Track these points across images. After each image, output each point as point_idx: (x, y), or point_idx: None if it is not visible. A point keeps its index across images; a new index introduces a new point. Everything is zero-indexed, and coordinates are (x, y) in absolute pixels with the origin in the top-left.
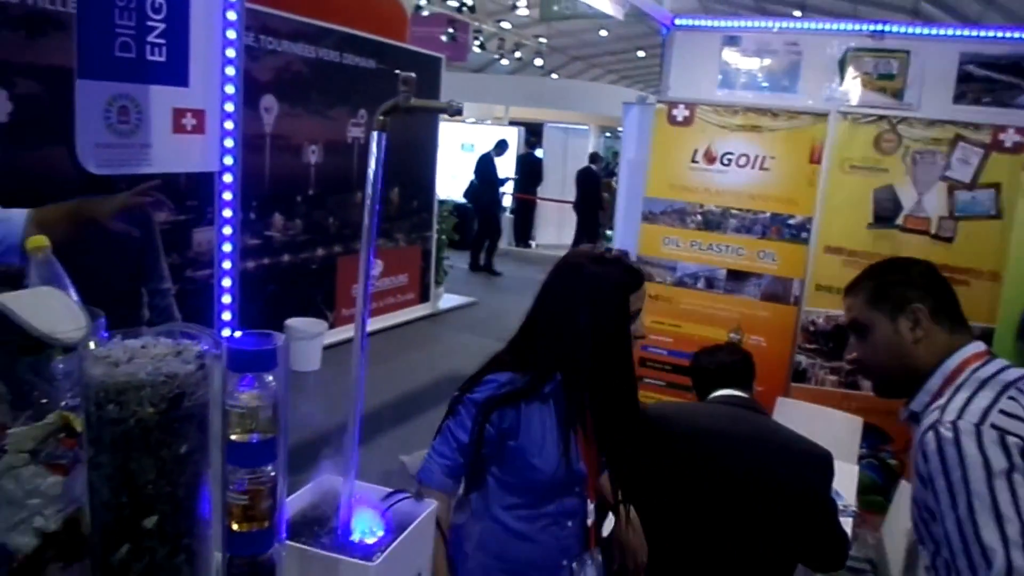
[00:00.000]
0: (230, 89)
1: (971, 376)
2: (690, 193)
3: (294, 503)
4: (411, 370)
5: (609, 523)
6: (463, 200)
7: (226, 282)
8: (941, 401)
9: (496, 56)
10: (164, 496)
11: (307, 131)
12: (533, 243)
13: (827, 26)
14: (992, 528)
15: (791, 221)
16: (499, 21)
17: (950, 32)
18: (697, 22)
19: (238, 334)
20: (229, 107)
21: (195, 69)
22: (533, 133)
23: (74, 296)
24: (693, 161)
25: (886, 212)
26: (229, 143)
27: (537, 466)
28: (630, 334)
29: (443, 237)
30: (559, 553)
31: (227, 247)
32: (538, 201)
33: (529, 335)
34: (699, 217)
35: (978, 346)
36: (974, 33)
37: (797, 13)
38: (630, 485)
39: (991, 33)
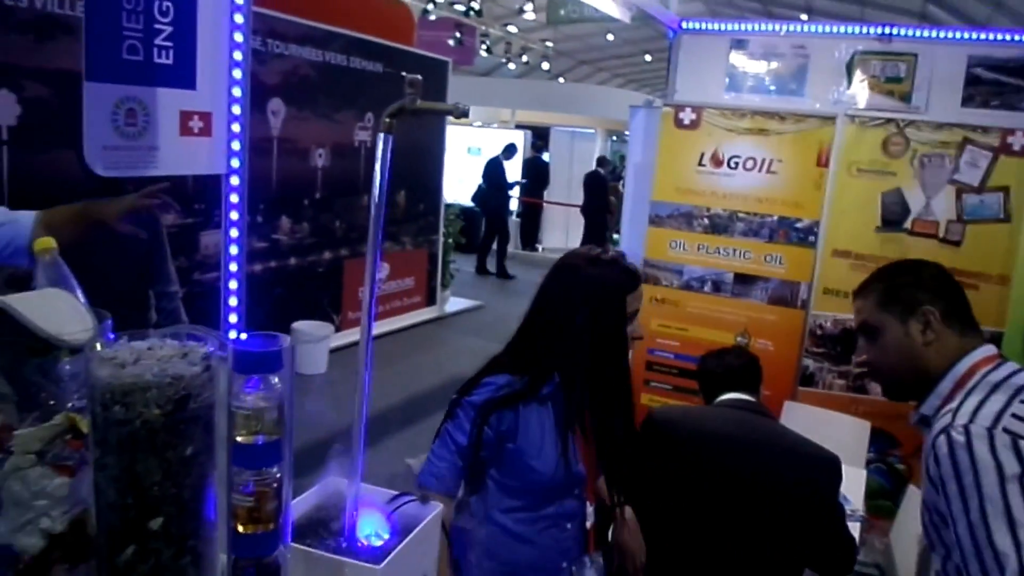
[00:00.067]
0: (237, 92)
1: (982, 380)
2: (697, 196)
3: (300, 505)
4: (417, 373)
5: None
6: (470, 204)
7: (233, 284)
8: (952, 405)
9: (503, 60)
10: (170, 498)
11: (314, 135)
12: (540, 247)
13: (834, 29)
14: (1005, 532)
15: (798, 224)
16: (506, 25)
17: (958, 35)
18: (704, 25)
19: (244, 336)
20: (236, 110)
21: (202, 72)
22: (540, 137)
23: (81, 298)
24: (700, 164)
25: (894, 216)
26: (236, 146)
27: (536, 468)
28: (627, 335)
29: (450, 240)
30: (559, 555)
31: (234, 249)
32: (545, 205)
33: (527, 337)
34: (706, 220)
35: (989, 349)
36: (983, 36)
37: (804, 16)
38: (635, 488)
39: (1000, 36)
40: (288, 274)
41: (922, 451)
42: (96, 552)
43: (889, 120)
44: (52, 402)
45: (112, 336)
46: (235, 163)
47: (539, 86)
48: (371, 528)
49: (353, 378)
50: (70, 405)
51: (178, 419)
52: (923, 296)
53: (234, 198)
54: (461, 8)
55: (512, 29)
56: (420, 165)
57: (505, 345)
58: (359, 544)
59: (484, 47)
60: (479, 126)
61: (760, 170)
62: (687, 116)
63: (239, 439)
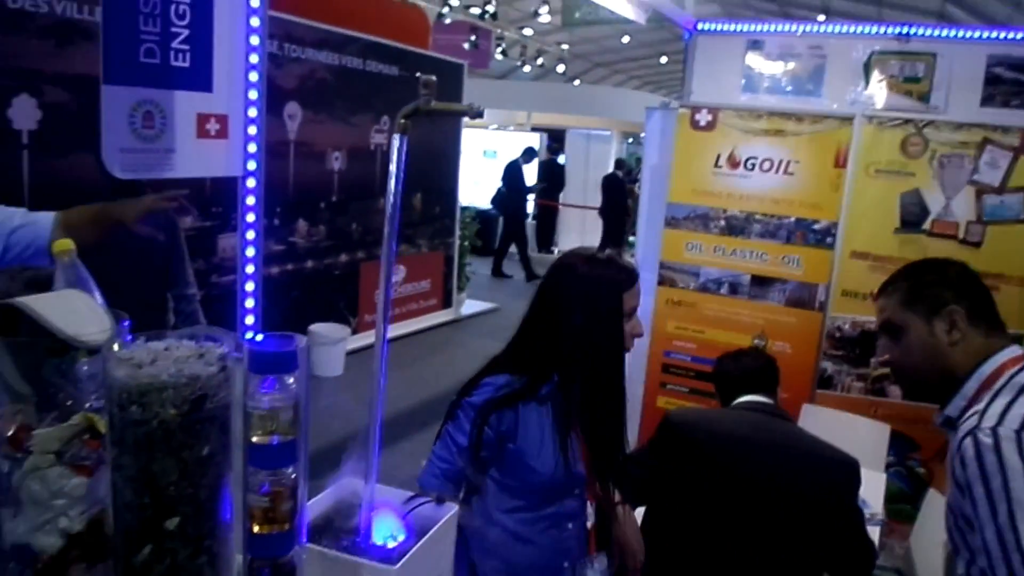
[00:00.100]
0: (254, 94)
1: (1010, 381)
2: (713, 198)
3: (315, 506)
4: (433, 375)
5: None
6: (489, 207)
7: (249, 286)
8: (979, 406)
9: (518, 63)
10: (186, 498)
11: (330, 138)
12: (555, 249)
13: (852, 29)
14: None
15: (816, 226)
16: (521, 28)
17: (977, 34)
18: (720, 26)
19: (259, 337)
20: (253, 112)
21: (219, 74)
22: (555, 139)
23: (99, 299)
24: (716, 166)
25: (913, 217)
26: (253, 148)
27: (536, 468)
28: (623, 333)
29: (466, 243)
30: (559, 555)
31: (250, 251)
32: (560, 207)
33: (526, 338)
34: (722, 222)
35: (1015, 350)
36: (1002, 35)
37: (821, 17)
38: (651, 490)
39: (1020, 35)
40: (305, 277)
41: (947, 454)
42: (113, 552)
43: (907, 120)
44: (70, 402)
45: (129, 337)
46: (251, 165)
47: (555, 88)
48: (387, 529)
49: (369, 380)
50: (88, 405)
51: (194, 419)
52: (948, 295)
53: (251, 200)
54: (476, 11)
55: (527, 32)
56: (436, 168)
57: (505, 346)
58: (375, 545)
59: (499, 50)
60: (495, 129)
61: (777, 171)
62: (703, 117)
63: (255, 439)
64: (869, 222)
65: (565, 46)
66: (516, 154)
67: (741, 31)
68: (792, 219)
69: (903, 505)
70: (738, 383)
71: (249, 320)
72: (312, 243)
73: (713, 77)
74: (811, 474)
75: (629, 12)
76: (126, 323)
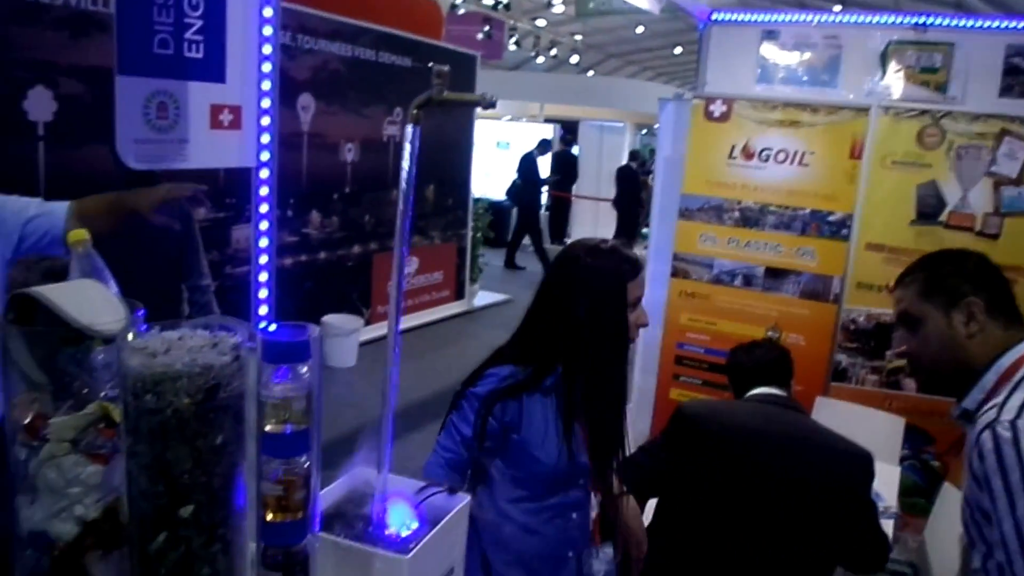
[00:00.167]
0: (267, 85)
1: None
2: (727, 189)
3: (328, 496)
4: (446, 367)
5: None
6: (499, 198)
7: (263, 276)
8: (997, 399)
9: (532, 54)
10: (200, 486)
11: (343, 129)
12: (568, 240)
13: (868, 19)
14: None
15: (831, 218)
16: (534, 19)
17: (996, 24)
18: (734, 16)
19: (273, 327)
20: (266, 103)
21: (232, 65)
22: (569, 130)
23: (114, 288)
24: (731, 157)
25: (929, 208)
26: (266, 139)
27: (540, 459)
28: (627, 323)
29: (478, 235)
30: (564, 545)
31: (264, 242)
32: (573, 199)
33: (530, 328)
34: (736, 214)
35: None
36: (1021, 25)
37: (837, 8)
38: (663, 482)
39: None
40: (318, 268)
41: (963, 447)
42: (128, 539)
43: (924, 111)
44: (85, 391)
45: (144, 327)
46: (265, 156)
47: (568, 80)
48: (399, 519)
49: (382, 371)
50: (103, 394)
51: (208, 408)
52: (967, 287)
53: (264, 191)
54: (490, 2)
55: (541, 23)
56: (449, 159)
57: (510, 336)
58: (387, 534)
59: (513, 41)
60: (508, 120)
61: (792, 163)
62: (717, 108)
63: (268, 428)
64: (885, 214)
65: (579, 37)
66: (529, 146)
67: (756, 21)
68: (807, 211)
69: (917, 499)
70: (751, 375)
71: (263, 310)
72: (325, 234)
73: (728, 68)
74: (825, 466)
75: (643, 2)
76: (141, 312)
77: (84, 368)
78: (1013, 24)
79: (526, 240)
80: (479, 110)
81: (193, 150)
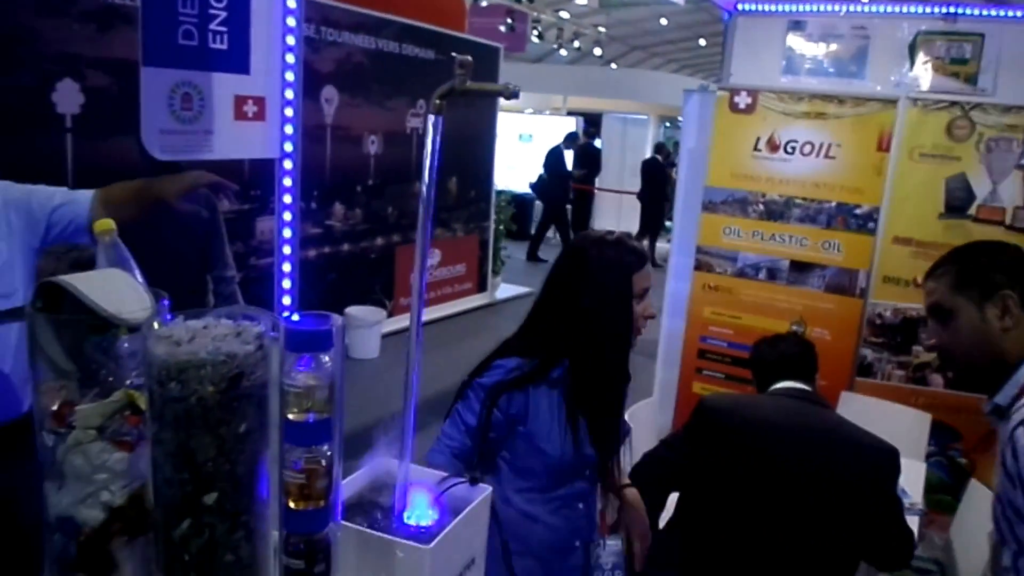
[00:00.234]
0: (290, 76)
1: None
2: (752, 182)
3: (350, 485)
4: (468, 359)
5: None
6: (521, 191)
7: (286, 267)
8: None
9: (555, 46)
10: (223, 474)
11: (367, 122)
12: None
13: (896, 9)
14: None
15: (857, 211)
16: (558, 11)
17: None
18: (760, 6)
19: (295, 316)
20: (289, 94)
21: (256, 57)
22: (592, 123)
23: (139, 278)
24: (755, 149)
25: (958, 202)
26: (289, 130)
27: (546, 451)
28: (632, 314)
29: (501, 227)
30: (571, 534)
31: (287, 232)
32: (596, 191)
33: (537, 320)
34: (761, 207)
35: None
36: None
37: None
38: (684, 476)
39: None
40: (341, 260)
41: (996, 443)
42: (153, 525)
43: (954, 103)
44: (111, 379)
45: (169, 316)
46: (288, 147)
47: (591, 72)
48: (421, 509)
49: (404, 363)
50: (129, 382)
51: (231, 396)
52: (1001, 279)
53: (287, 182)
54: None
55: (564, 15)
56: (471, 152)
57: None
58: (409, 524)
59: (536, 33)
60: (530, 113)
61: (818, 155)
62: (742, 100)
63: (290, 416)
64: (912, 207)
65: (602, 29)
66: (551, 138)
67: (782, 11)
68: (833, 204)
69: (943, 496)
70: (775, 369)
71: (286, 300)
72: (348, 226)
73: (753, 59)
74: (850, 461)
75: None
76: (166, 302)
77: (110, 356)
78: None
79: (549, 233)
80: (502, 102)
81: (217, 141)
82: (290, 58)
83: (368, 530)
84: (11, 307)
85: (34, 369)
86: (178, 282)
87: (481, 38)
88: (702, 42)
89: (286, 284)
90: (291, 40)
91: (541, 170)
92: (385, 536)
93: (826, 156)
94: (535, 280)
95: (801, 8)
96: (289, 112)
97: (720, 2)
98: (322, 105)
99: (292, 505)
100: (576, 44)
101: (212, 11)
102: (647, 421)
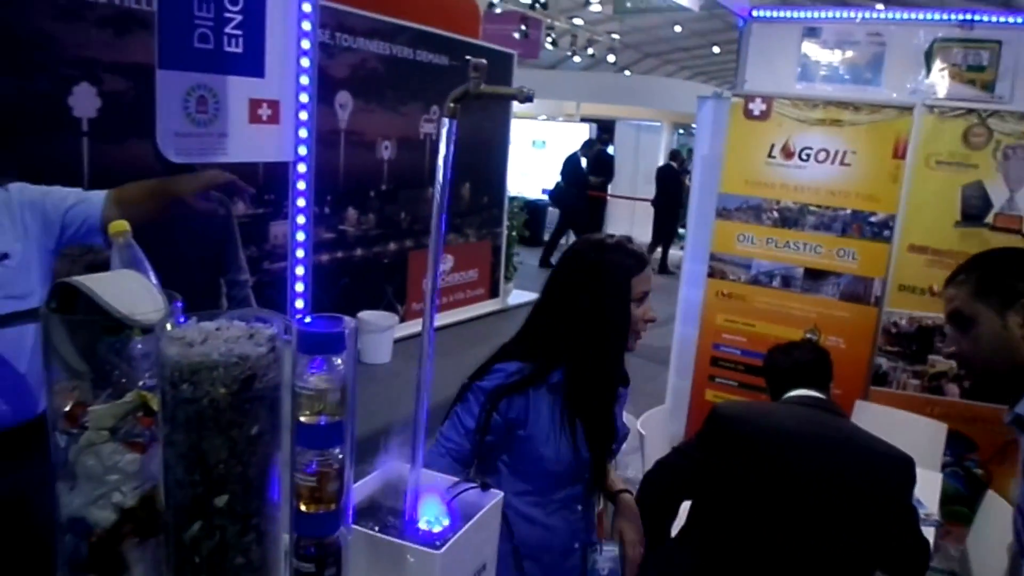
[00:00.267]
0: (305, 80)
1: None
2: (767, 189)
3: (361, 489)
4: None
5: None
6: (539, 197)
7: (299, 270)
8: None
9: (568, 53)
10: (235, 476)
11: (380, 127)
12: None
13: (913, 16)
14: None
15: (873, 219)
16: (572, 18)
17: None
18: (775, 13)
19: (308, 319)
20: (304, 98)
21: (271, 60)
22: (605, 130)
23: (153, 279)
24: (770, 156)
25: (974, 210)
26: (303, 133)
27: (545, 455)
28: (629, 318)
29: (513, 233)
30: (570, 536)
31: (300, 236)
32: (609, 198)
33: (536, 324)
34: (775, 214)
35: None
36: None
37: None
38: (696, 484)
39: None
40: (354, 264)
41: (1018, 452)
42: (164, 527)
43: (970, 110)
44: (124, 380)
45: (182, 317)
46: (302, 151)
47: (605, 78)
48: (431, 514)
49: (416, 368)
50: (141, 383)
51: (243, 398)
52: (1023, 287)
53: (301, 185)
54: (527, 1)
55: (578, 21)
56: (485, 158)
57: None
58: (419, 529)
59: (549, 40)
60: (544, 119)
61: (833, 162)
62: (757, 107)
63: (302, 419)
64: (928, 215)
65: (616, 36)
66: (564, 144)
67: (797, 18)
68: (848, 211)
69: (959, 507)
70: (789, 376)
71: (299, 304)
72: (361, 231)
73: (768, 65)
74: (865, 470)
75: None
76: (179, 304)
77: (123, 357)
78: None
79: (563, 240)
80: (515, 109)
81: (232, 144)
82: (305, 62)
83: (379, 534)
84: (28, 308)
85: (48, 370)
86: (192, 285)
87: (495, 44)
88: (716, 49)
89: (299, 287)
90: (306, 44)
91: (558, 177)
92: (396, 541)
93: (841, 163)
94: None
95: (816, 15)
96: (303, 116)
97: (735, 9)
98: (336, 110)
99: (303, 508)
100: (590, 51)
101: (228, 15)
102: (659, 429)
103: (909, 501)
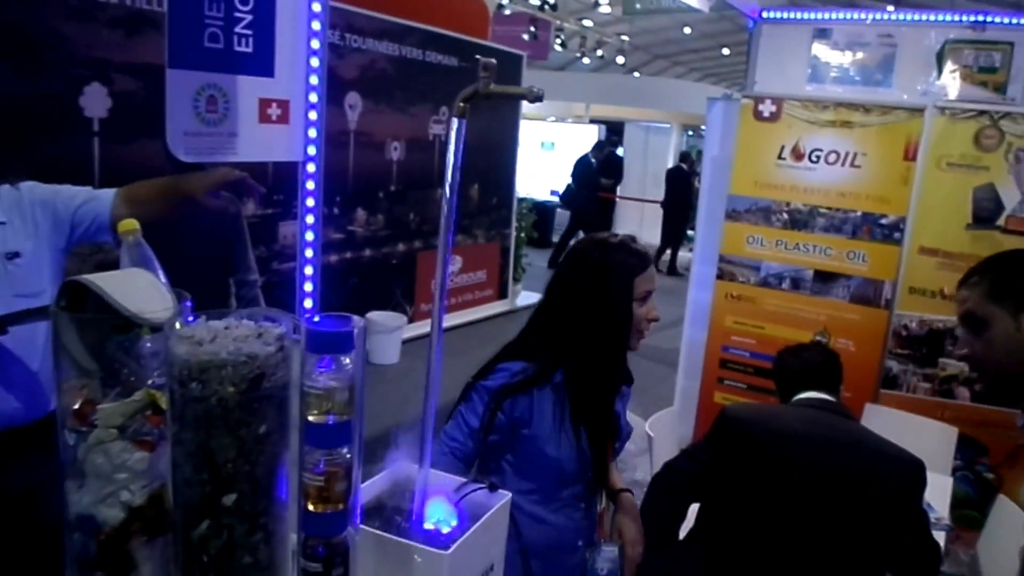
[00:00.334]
0: (314, 80)
1: None
2: (776, 191)
3: (369, 489)
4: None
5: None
6: (547, 198)
7: (308, 270)
8: None
9: (578, 55)
10: (243, 475)
11: (390, 128)
12: None
13: (924, 17)
14: None
15: (883, 221)
16: (581, 19)
17: None
18: (785, 14)
19: (317, 318)
20: (313, 98)
21: (280, 60)
22: (614, 131)
23: (163, 278)
24: (780, 158)
25: (986, 212)
26: (313, 133)
27: (549, 454)
28: (631, 317)
29: (522, 234)
30: (574, 534)
31: (309, 235)
32: (618, 200)
33: (539, 324)
34: (785, 215)
35: None
36: None
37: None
38: (705, 487)
39: None
40: (363, 265)
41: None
42: (172, 526)
43: (982, 112)
44: (133, 378)
45: (191, 316)
46: (312, 150)
47: (614, 80)
48: (439, 514)
49: (424, 368)
50: (150, 382)
51: (252, 397)
52: None
53: (310, 185)
54: (536, 2)
55: (587, 23)
56: (493, 159)
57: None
58: (427, 529)
59: (559, 41)
60: (552, 121)
61: (843, 164)
62: (767, 108)
63: (311, 418)
64: (939, 217)
65: (625, 37)
66: (573, 146)
67: (807, 19)
68: (858, 213)
69: (970, 511)
70: (798, 378)
71: (308, 304)
72: (370, 232)
73: (778, 67)
74: (875, 473)
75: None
76: (188, 303)
77: (132, 356)
78: None
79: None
80: (524, 110)
81: (242, 143)
82: (315, 61)
83: (387, 534)
84: (39, 306)
85: (57, 368)
86: (201, 285)
87: (504, 46)
88: (725, 51)
89: (308, 287)
90: (316, 44)
91: (568, 179)
92: (403, 541)
93: (851, 165)
94: None
95: (827, 16)
96: (313, 115)
97: (745, 10)
98: (346, 111)
99: (311, 508)
100: (599, 52)
101: (238, 14)
102: (668, 431)
103: (919, 504)
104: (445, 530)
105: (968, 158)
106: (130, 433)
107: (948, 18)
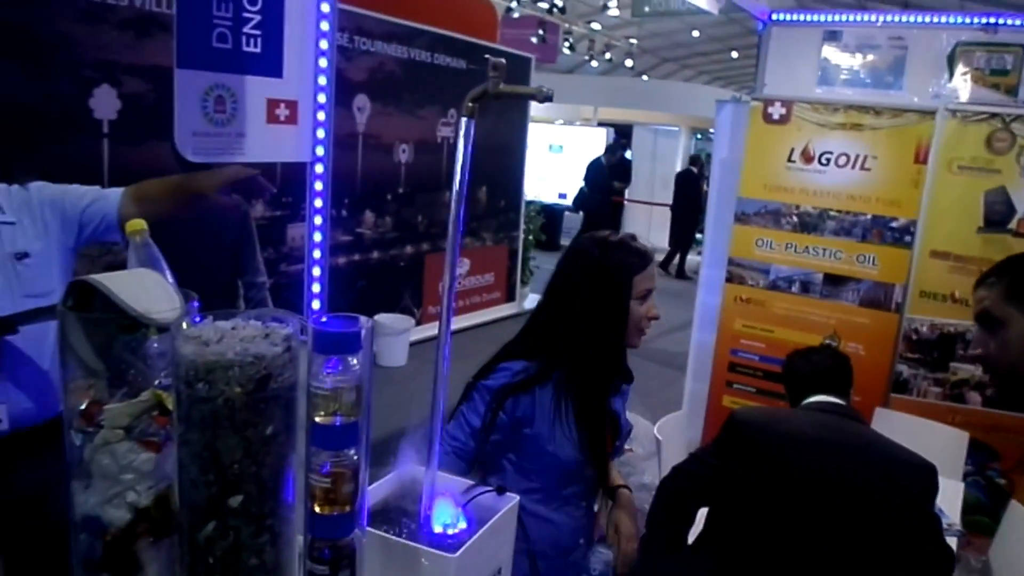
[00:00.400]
0: (323, 80)
1: None
2: (786, 193)
3: (376, 492)
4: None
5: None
6: (557, 202)
7: (316, 271)
8: None
9: (586, 57)
10: (249, 476)
11: (398, 130)
12: None
13: (935, 19)
14: None
15: (894, 224)
16: (589, 22)
17: None
18: (795, 16)
19: (324, 319)
20: (322, 98)
21: (289, 60)
22: (622, 134)
23: (170, 278)
24: (789, 160)
25: (998, 215)
26: (321, 134)
27: (552, 452)
28: (627, 315)
29: (530, 237)
30: (575, 532)
31: (317, 236)
32: (626, 203)
33: (538, 323)
34: (795, 218)
35: None
36: None
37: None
38: (713, 491)
39: None
40: (371, 267)
41: None
42: (178, 527)
43: (994, 115)
44: (140, 379)
45: (198, 317)
46: (320, 151)
47: (622, 83)
48: (447, 517)
49: (432, 371)
50: (157, 382)
51: (258, 398)
52: None
53: (318, 186)
54: (545, 5)
55: (596, 26)
56: (502, 162)
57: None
58: (434, 532)
59: (567, 44)
60: (561, 124)
61: (853, 167)
62: (776, 111)
63: (317, 419)
64: (950, 220)
65: (633, 40)
66: (581, 149)
67: (817, 21)
68: (869, 216)
69: (981, 517)
70: (808, 382)
71: (315, 305)
72: (378, 234)
73: (787, 69)
74: (886, 477)
75: (703, 2)
76: (195, 303)
77: (139, 356)
78: None
79: None
80: (533, 112)
81: (249, 144)
82: (323, 62)
83: (394, 537)
84: (49, 305)
85: (64, 368)
86: (209, 286)
87: (513, 49)
88: (734, 54)
89: (316, 288)
90: (324, 44)
91: (581, 183)
92: (411, 544)
93: (862, 168)
94: None
95: (837, 18)
96: (321, 116)
97: (755, 12)
98: (354, 113)
99: (317, 509)
100: (608, 56)
101: (246, 15)
102: (676, 434)
103: (931, 508)
104: (452, 532)
105: (979, 161)
106: (136, 434)
107: (959, 20)
